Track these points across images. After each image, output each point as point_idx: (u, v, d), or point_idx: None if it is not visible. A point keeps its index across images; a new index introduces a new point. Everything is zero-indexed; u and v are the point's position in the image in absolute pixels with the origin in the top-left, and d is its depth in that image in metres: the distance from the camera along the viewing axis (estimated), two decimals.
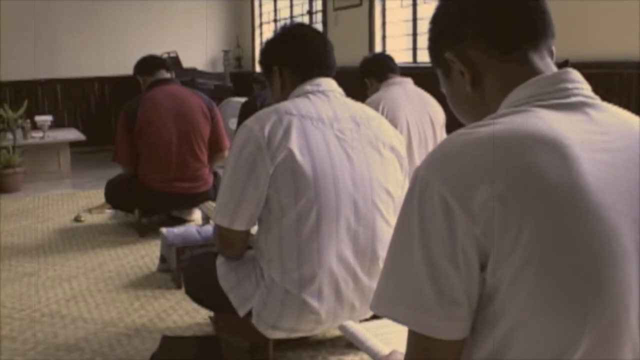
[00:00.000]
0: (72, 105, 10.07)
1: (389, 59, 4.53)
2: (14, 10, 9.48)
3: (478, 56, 1.26)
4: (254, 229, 2.68)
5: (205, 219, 4.95)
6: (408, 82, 4.40)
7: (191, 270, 2.99)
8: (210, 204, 3.77)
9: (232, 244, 2.63)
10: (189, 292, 2.94)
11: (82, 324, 3.41)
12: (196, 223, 5.09)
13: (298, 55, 2.66)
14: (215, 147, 5.07)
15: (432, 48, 1.36)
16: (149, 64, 5.14)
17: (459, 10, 1.29)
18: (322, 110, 2.57)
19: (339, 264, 2.52)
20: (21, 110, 7.37)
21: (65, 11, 9.86)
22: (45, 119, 7.87)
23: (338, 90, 2.69)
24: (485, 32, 1.25)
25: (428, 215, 1.11)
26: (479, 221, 1.07)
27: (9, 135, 7.28)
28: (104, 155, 9.06)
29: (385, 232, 2.59)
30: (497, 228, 1.06)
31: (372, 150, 2.61)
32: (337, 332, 2.95)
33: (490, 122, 1.14)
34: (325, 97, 2.62)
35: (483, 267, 1.10)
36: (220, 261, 2.73)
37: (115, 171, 7.08)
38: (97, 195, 6.57)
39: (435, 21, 1.35)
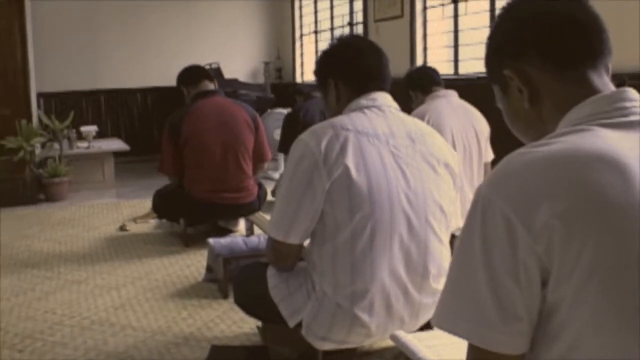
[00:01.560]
0: (115, 116, 10.23)
1: (434, 72, 4.54)
2: (58, 24, 9.66)
3: (536, 74, 1.27)
4: (306, 242, 2.70)
5: (250, 230, 5.00)
6: (453, 94, 4.40)
7: (241, 281, 3.02)
8: (262, 215, 3.81)
9: (286, 257, 2.65)
10: (239, 302, 2.98)
11: (131, 332, 3.47)
12: (240, 233, 5.14)
13: (354, 68, 2.66)
14: (258, 158, 5.12)
15: (490, 64, 1.38)
16: (192, 75, 5.20)
17: (518, 28, 1.30)
18: (377, 126, 2.57)
19: (391, 279, 2.53)
20: (67, 121, 7.51)
21: (109, 23, 10.04)
22: (90, 129, 8.00)
23: (394, 106, 2.68)
24: (544, 50, 1.26)
25: (490, 233, 1.13)
26: (541, 239, 1.08)
27: (56, 145, 7.42)
28: (146, 165, 9.19)
29: (437, 248, 2.60)
30: (559, 246, 1.08)
31: (426, 167, 2.60)
32: (385, 343, 2.96)
33: (550, 142, 1.16)
34: (381, 113, 2.62)
35: (544, 284, 1.11)
36: (271, 272, 2.75)
37: (158, 181, 7.17)
38: (141, 205, 6.67)
39: (493, 38, 1.37)
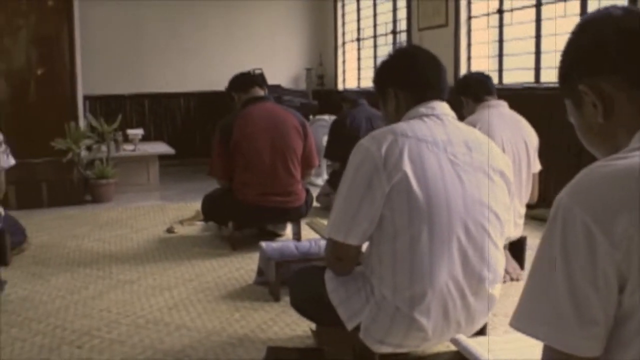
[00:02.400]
0: (157, 120, 10.38)
1: (489, 80, 4.55)
2: (104, 29, 9.83)
3: (611, 90, 1.31)
4: (363, 247, 2.76)
5: (297, 234, 5.07)
6: (503, 105, 4.42)
7: (298, 284, 3.08)
8: (319, 220, 3.87)
9: (344, 258, 2.71)
10: (295, 304, 3.04)
11: (186, 332, 3.54)
12: (287, 238, 5.21)
13: (413, 78, 2.73)
14: (305, 164, 5.20)
15: (564, 79, 1.41)
16: (243, 82, 5.31)
17: (594, 44, 1.33)
18: (436, 133, 2.63)
19: (449, 283, 2.58)
20: (115, 124, 7.64)
21: (154, 29, 10.22)
22: (136, 132, 8.14)
23: (451, 115, 2.75)
24: (621, 69, 1.30)
25: (570, 240, 1.18)
26: (620, 247, 1.14)
27: (103, 148, 7.55)
28: (188, 169, 9.33)
29: (493, 254, 2.65)
30: (637, 254, 1.13)
31: (482, 175, 2.66)
32: (438, 348, 3.01)
33: (627, 155, 1.21)
34: (440, 121, 2.68)
35: (621, 290, 1.16)
36: (328, 276, 2.80)
37: (201, 184, 7.30)
38: (186, 208, 6.77)
39: (569, 53, 1.41)
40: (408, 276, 2.54)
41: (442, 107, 2.72)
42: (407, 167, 2.50)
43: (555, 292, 1.20)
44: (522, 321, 1.27)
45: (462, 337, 2.39)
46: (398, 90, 2.75)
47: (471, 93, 4.48)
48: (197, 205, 6.39)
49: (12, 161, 4.93)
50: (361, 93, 7.12)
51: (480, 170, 2.66)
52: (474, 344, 2.31)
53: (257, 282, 4.27)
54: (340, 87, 10.83)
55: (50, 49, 9.10)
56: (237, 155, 4.99)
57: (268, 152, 4.98)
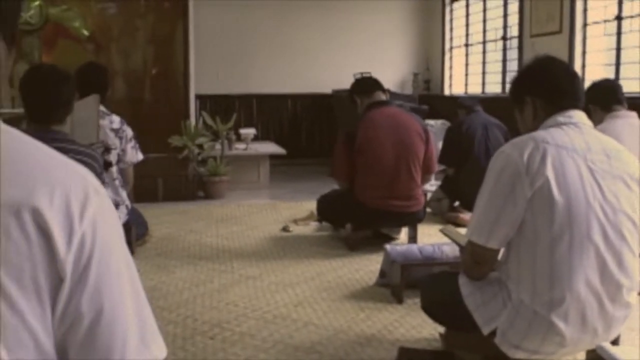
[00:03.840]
0: (265, 120, 10.55)
1: (619, 89, 4.47)
2: (217, 29, 10.07)
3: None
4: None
5: (413, 238, 5.11)
6: (632, 116, 4.35)
7: (430, 287, 3.12)
8: (452, 228, 3.89)
9: (484, 261, 2.74)
10: (426, 308, 3.09)
11: (314, 328, 3.62)
12: (401, 242, 5.25)
13: (552, 87, 2.76)
14: (425, 169, 5.23)
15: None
16: (367, 86, 5.39)
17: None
18: (575, 141, 2.65)
19: (587, 289, 2.58)
20: (230, 123, 7.83)
21: (265, 30, 10.41)
22: (249, 132, 8.31)
23: (588, 123, 2.77)
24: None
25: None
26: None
27: (217, 146, 7.74)
28: (294, 168, 9.47)
29: (630, 261, 2.64)
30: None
31: (620, 182, 2.67)
32: (572, 358, 2.99)
33: None
34: (578, 129, 2.70)
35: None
36: (463, 281, 2.83)
37: (310, 184, 7.43)
38: (298, 207, 6.88)
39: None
40: (547, 280, 2.56)
41: (580, 116, 2.75)
42: (550, 173, 2.54)
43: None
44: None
45: (608, 346, 2.38)
46: (536, 98, 2.78)
47: (599, 100, 4.41)
48: (308, 205, 6.51)
49: (140, 156, 5.13)
50: (477, 100, 7.08)
51: (619, 178, 2.68)
52: (620, 353, 2.29)
53: (378, 284, 4.31)
54: (446, 92, 10.78)
55: (165, 49, 9.42)
56: (359, 158, 5.06)
57: (391, 156, 5.03)
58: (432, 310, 3.07)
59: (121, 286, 0.96)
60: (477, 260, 2.75)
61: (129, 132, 4.97)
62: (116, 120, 4.91)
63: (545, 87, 2.78)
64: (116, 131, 4.87)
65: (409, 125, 5.14)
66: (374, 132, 5.04)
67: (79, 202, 0.93)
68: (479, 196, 2.70)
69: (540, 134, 2.67)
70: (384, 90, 5.36)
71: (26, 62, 8.75)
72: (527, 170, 2.54)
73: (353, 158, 5.10)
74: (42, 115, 3.56)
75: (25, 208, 0.88)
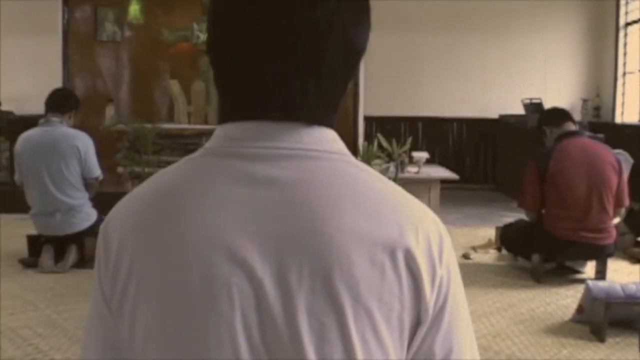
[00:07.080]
0: (430, 143, 10.56)
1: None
2: (385, 51, 10.19)
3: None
4: None
5: (601, 272, 5.01)
6: None
7: None
8: None
9: None
10: None
11: None
12: (587, 276, 5.16)
13: None
14: (617, 202, 5.13)
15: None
16: (557, 116, 5.36)
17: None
18: None
19: None
20: (406, 146, 7.90)
21: (433, 54, 10.46)
22: (421, 155, 8.35)
23: None
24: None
25: None
26: None
27: (392, 168, 7.83)
28: (462, 193, 9.44)
29: None
30: None
31: None
32: None
33: None
34: None
35: None
36: None
37: (481, 210, 7.39)
38: (472, 234, 6.88)
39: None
40: None
41: None
42: None
43: None
44: None
45: None
46: None
47: None
48: (484, 231, 6.50)
49: None
50: None
51: None
52: None
53: (575, 320, 4.26)
54: (617, 120, 10.47)
55: None
56: (551, 188, 5.04)
57: (583, 187, 4.97)
58: None
59: (467, 329, 1.01)
60: None
61: None
62: None
63: None
64: None
65: (602, 156, 5.08)
66: (566, 163, 5.01)
67: (437, 243, 0.97)
68: None
69: None
70: (573, 121, 5.32)
71: (202, 80, 9.22)
72: None
73: (543, 189, 5.07)
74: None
75: (399, 248, 0.91)
